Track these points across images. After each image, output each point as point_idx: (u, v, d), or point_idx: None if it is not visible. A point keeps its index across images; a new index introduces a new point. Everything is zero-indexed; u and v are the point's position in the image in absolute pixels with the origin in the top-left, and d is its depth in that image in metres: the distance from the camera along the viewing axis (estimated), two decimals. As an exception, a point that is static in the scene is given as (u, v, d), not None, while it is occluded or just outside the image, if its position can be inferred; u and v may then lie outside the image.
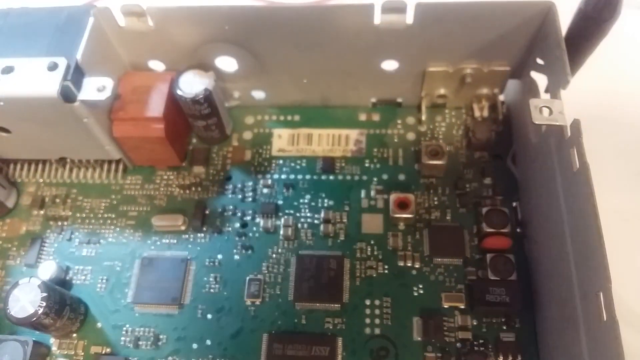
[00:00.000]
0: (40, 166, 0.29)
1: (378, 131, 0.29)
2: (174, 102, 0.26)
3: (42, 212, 0.28)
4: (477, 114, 0.28)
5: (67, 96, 0.23)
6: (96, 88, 0.23)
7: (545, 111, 0.21)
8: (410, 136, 0.29)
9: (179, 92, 0.26)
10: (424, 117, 0.29)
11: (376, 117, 0.29)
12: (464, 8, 0.23)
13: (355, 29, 0.24)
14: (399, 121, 0.29)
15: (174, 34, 0.26)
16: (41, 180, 0.29)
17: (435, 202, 0.27)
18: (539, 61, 0.25)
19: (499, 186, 0.27)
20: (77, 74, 0.24)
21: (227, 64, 0.28)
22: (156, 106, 0.26)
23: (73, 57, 0.24)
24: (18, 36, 0.25)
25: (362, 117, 0.29)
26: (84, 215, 0.28)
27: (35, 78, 0.23)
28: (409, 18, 0.24)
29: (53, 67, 0.23)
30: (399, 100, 0.29)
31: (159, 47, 0.27)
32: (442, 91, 0.28)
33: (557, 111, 0.21)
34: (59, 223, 0.28)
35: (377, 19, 0.24)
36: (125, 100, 0.26)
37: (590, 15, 0.22)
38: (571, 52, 0.22)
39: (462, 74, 0.27)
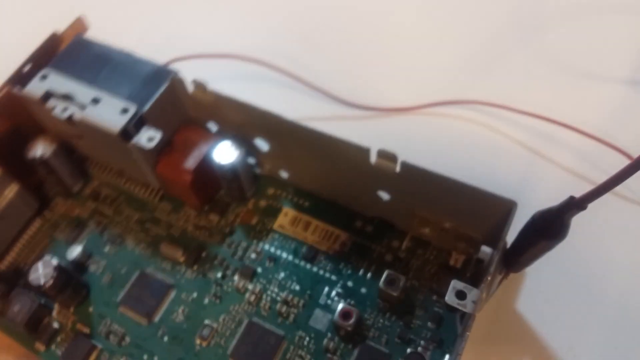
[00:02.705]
0: (106, 170, 0.37)
1: (364, 242, 0.33)
2: (208, 161, 0.32)
3: (94, 204, 0.36)
4: (452, 262, 0.31)
5: (125, 136, 0.30)
6: (147, 137, 0.30)
7: (462, 295, 0.24)
8: (388, 257, 0.32)
9: (211, 157, 0.32)
10: (404, 247, 0.32)
11: (369, 229, 0.33)
12: (440, 180, 0.26)
13: (355, 161, 0.28)
14: (386, 240, 0.32)
15: (225, 112, 0.32)
16: (103, 179, 0.37)
17: (379, 325, 0.30)
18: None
19: (440, 335, 0.29)
20: (139, 122, 0.31)
21: (262, 143, 0.33)
22: (193, 160, 0.32)
23: (142, 108, 0.31)
24: (115, 74, 0.32)
25: (358, 224, 0.33)
26: (120, 218, 0.35)
27: (110, 114, 0.30)
28: (398, 168, 0.28)
29: (124, 110, 0.31)
30: (392, 223, 0.33)
31: (215, 115, 0.33)
32: (426, 231, 0.31)
33: (470, 299, 0.24)
34: (101, 218, 0.35)
35: (373, 159, 0.28)
36: (175, 147, 0.33)
37: (538, 229, 0.24)
38: (518, 252, 0.25)
39: (442, 226, 0.30)
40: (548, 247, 0.24)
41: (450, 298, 0.24)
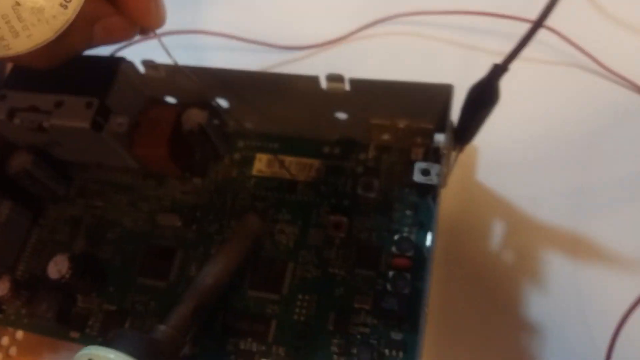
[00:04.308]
0: (84, 167, 0.39)
1: (336, 163, 0.36)
2: (178, 130, 0.35)
3: (83, 200, 0.39)
4: (413, 157, 0.35)
5: (97, 127, 0.33)
6: (117, 123, 0.33)
7: (427, 172, 0.28)
8: (360, 169, 0.36)
9: (180, 126, 0.35)
10: (370, 156, 0.36)
11: (336, 150, 0.37)
12: (385, 84, 0.30)
13: (308, 90, 0.32)
14: (353, 156, 0.36)
15: (179, 82, 0.34)
16: (85, 176, 0.39)
17: (368, 225, 0.34)
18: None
19: (419, 218, 0.34)
20: (105, 111, 0.33)
21: (222, 102, 0.36)
22: (164, 133, 0.35)
23: (104, 98, 0.33)
24: (69, 75, 0.34)
25: (326, 149, 0.37)
26: (111, 206, 0.38)
27: (76, 113, 0.33)
28: (347, 86, 0.31)
29: (89, 105, 0.33)
30: (355, 139, 0.36)
31: (171, 89, 0.36)
32: (386, 137, 0.35)
33: (434, 173, 0.28)
34: (94, 210, 0.38)
35: (323, 84, 0.31)
36: (144, 126, 0.35)
37: (474, 99, 0.28)
38: (464, 125, 0.29)
39: (397, 127, 0.34)
40: (487, 113, 0.28)
41: (417, 177, 0.28)
